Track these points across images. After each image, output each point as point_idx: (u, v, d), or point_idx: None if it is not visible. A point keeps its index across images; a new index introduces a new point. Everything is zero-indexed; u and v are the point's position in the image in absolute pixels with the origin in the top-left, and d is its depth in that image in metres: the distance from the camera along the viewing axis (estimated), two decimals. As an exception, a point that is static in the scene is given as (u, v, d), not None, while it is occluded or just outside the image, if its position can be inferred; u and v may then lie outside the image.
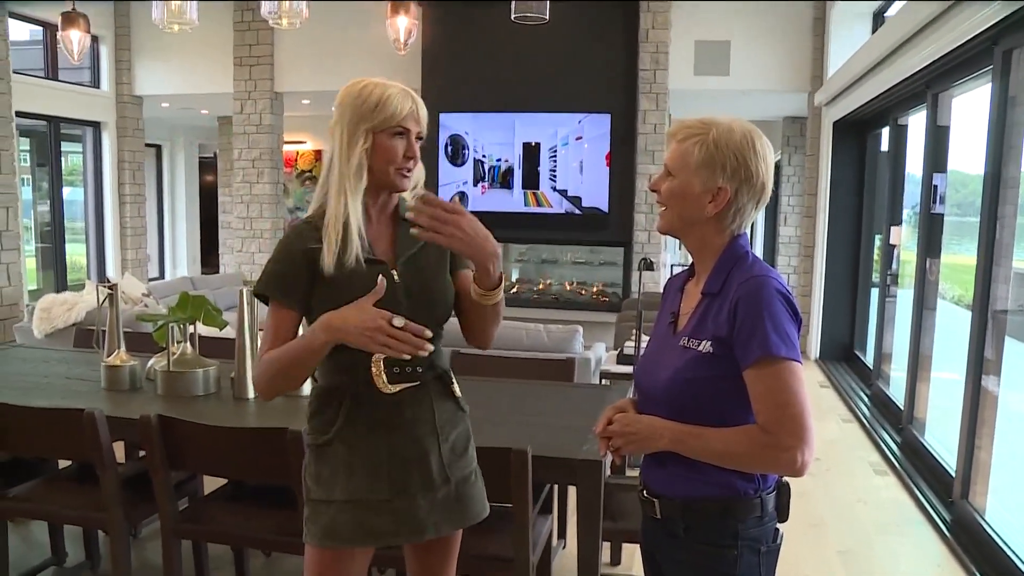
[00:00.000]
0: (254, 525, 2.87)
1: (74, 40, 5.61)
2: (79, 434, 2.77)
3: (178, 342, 3.32)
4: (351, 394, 1.93)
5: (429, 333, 1.75)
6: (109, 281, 3.72)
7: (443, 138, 9.12)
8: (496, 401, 3.33)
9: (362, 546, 1.96)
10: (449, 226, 1.73)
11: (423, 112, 1.94)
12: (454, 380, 2.06)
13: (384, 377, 1.91)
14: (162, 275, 13.31)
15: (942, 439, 5.18)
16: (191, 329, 3.37)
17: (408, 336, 1.74)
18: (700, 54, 8.76)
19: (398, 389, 1.92)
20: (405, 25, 5.16)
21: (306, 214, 2.00)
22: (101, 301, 3.49)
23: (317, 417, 1.97)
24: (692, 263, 1.80)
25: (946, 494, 4.47)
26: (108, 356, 3.38)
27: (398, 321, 1.74)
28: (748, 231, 1.76)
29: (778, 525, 1.72)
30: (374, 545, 1.97)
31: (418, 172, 1.99)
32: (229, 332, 3.74)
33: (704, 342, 1.64)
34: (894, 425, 5.86)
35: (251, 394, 3.22)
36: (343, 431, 1.93)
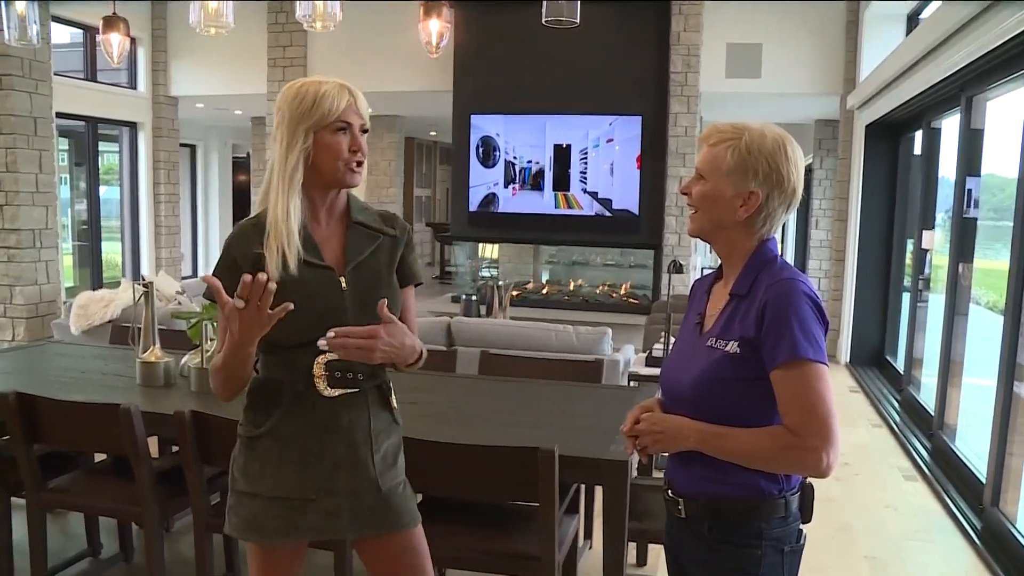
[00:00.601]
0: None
1: (114, 43, 5.72)
2: (114, 429, 2.83)
3: (211, 339, 3.38)
4: (290, 392, 1.94)
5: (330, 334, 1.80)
6: (144, 279, 3.78)
7: (474, 140, 9.17)
8: (524, 402, 3.36)
9: (282, 540, 1.97)
10: (372, 350, 1.81)
11: (363, 104, 1.94)
12: (392, 391, 2.08)
13: (325, 380, 1.92)
14: (195, 273, 13.48)
15: (973, 445, 5.13)
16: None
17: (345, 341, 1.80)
18: (732, 56, 8.73)
19: (338, 393, 1.94)
20: (437, 28, 5.19)
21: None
22: (137, 299, 3.56)
23: (252, 410, 1.98)
24: (720, 265, 1.81)
25: (976, 501, 4.43)
26: (143, 353, 3.44)
27: (322, 344, 1.82)
28: (778, 235, 1.78)
29: (802, 526, 1.73)
30: (295, 537, 1.97)
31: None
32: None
33: (731, 343, 1.65)
34: (924, 431, 5.81)
35: (282, 391, 3.26)
36: (278, 427, 1.94)
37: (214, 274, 1.87)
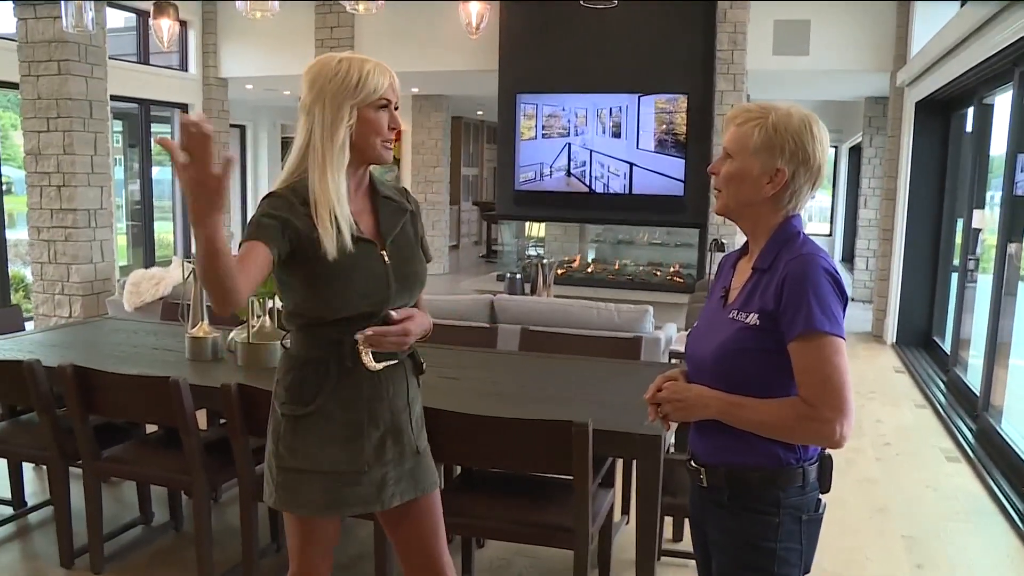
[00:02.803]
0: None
1: (164, 28, 5.86)
2: (165, 401, 2.94)
3: (257, 316, 3.48)
4: (337, 369, 1.98)
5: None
6: (193, 257, 3.89)
7: (520, 119, 9.19)
8: (562, 377, 3.41)
9: (333, 516, 2.06)
10: (405, 345, 2.00)
11: (398, 83, 2.00)
12: (421, 357, 2.17)
13: (371, 353, 1.97)
14: (245, 252, 13.68)
15: (1020, 427, 5.07)
16: (269, 303, 3.52)
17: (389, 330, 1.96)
18: (779, 34, 8.62)
19: (382, 366, 2.00)
20: (477, 10, 5.23)
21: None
22: (186, 276, 3.67)
23: (297, 388, 2.00)
24: (746, 242, 1.86)
25: (1021, 483, 4.38)
26: (192, 328, 3.56)
27: (359, 338, 1.95)
28: (805, 215, 1.81)
29: (821, 496, 1.78)
30: (344, 515, 2.08)
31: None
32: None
33: (752, 315, 1.70)
34: (969, 412, 5.75)
35: (326, 366, 3.35)
36: (326, 405, 1.99)
37: (253, 235, 1.83)
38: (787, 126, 1.69)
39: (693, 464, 1.84)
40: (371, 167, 2.07)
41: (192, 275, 3.65)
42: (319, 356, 1.99)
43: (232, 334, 3.58)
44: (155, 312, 5.40)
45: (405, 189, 2.21)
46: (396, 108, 2.00)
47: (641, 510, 2.68)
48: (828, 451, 1.76)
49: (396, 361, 2.05)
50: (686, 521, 3.71)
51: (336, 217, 1.90)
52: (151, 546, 3.63)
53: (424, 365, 2.17)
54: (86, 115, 7.23)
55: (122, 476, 3.58)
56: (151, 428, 3.67)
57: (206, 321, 3.59)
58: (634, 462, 2.82)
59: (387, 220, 2.05)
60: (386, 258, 2.00)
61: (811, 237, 1.77)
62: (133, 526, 3.71)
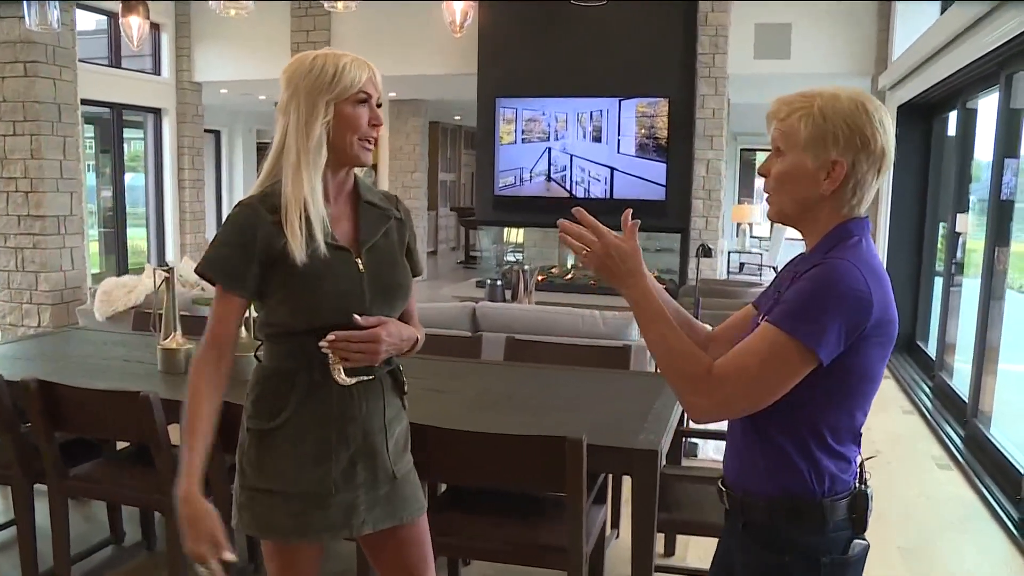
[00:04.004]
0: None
1: (134, 26, 5.69)
2: (135, 416, 2.79)
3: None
4: (305, 382, 1.85)
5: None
6: (167, 265, 3.75)
7: (499, 124, 9.08)
8: (551, 388, 3.29)
9: (298, 541, 1.89)
10: (376, 353, 1.83)
11: (379, 78, 1.87)
12: (403, 375, 2.02)
13: (341, 368, 1.84)
14: (221, 259, 13.48)
15: (1009, 434, 5.01)
16: (245, 314, 3.38)
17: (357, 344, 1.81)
18: (760, 37, 8.59)
19: (354, 381, 1.86)
20: (461, 7, 5.12)
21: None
22: (157, 285, 3.52)
23: (263, 401, 1.89)
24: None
25: (1014, 491, 4.32)
26: (164, 339, 3.41)
27: (323, 346, 1.82)
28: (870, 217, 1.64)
29: (857, 539, 1.59)
30: (311, 540, 1.90)
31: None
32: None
33: None
34: (958, 418, 5.69)
35: (305, 378, 3.22)
36: (293, 419, 1.86)
37: (221, 249, 1.80)
38: (836, 110, 1.49)
39: (721, 483, 1.68)
40: (355, 171, 1.94)
41: (164, 284, 3.50)
42: (287, 368, 1.87)
43: (206, 345, 3.43)
44: (127, 322, 5.23)
45: (396, 197, 2.07)
46: (379, 105, 1.88)
47: (636, 529, 2.57)
48: (863, 487, 1.59)
49: (371, 377, 1.89)
50: (678, 536, 3.63)
51: (308, 220, 1.77)
52: (122, 567, 3.48)
53: (406, 385, 2.02)
54: (54, 118, 7.04)
55: (90, 496, 3.43)
56: (124, 443, 3.52)
57: (179, 331, 3.44)
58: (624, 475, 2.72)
59: (367, 227, 1.91)
60: (361, 266, 1.86)
61: (864, 246, 1.54)
62: (104, 546, 3.56)
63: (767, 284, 1.84)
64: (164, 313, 3.47)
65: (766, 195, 1.61)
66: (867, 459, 1.63)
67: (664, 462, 3.32)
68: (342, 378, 1.84)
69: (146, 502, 3.20)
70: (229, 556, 1.74)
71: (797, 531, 1.53)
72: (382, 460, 1.92)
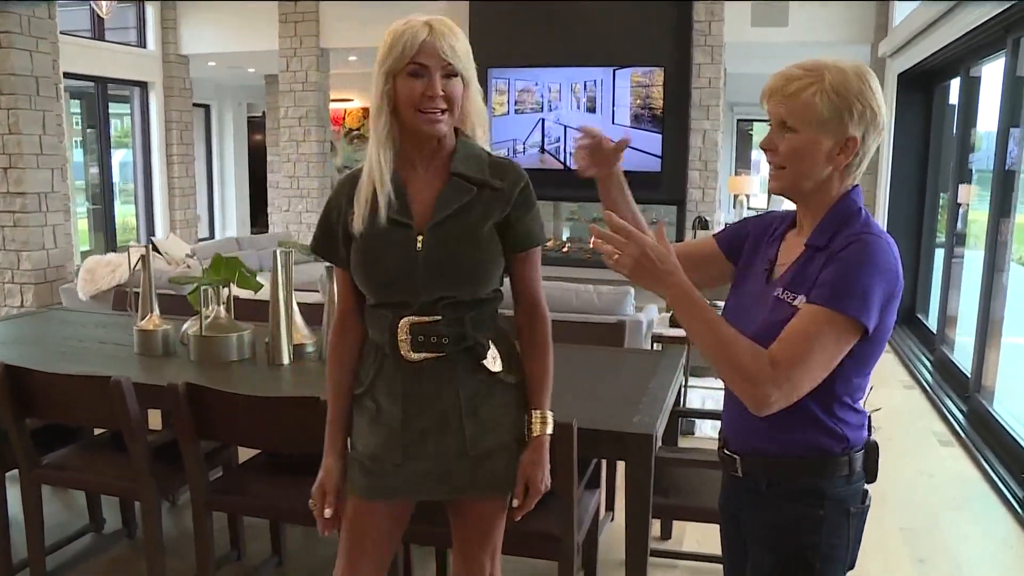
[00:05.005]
0: (289, 497, 2.74)
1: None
2: (107, 402, 2.67)
3: (216, 305, 3.21)
4: (380, 353, 1.88)
5: None
6: (153, 241, 3.62)
7: (492, 93, 8.91)
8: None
9: (376, 498, 1.91)
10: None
11: (444, 43, 1.73)
12: (489, 353, 1.89)
13: (409, 343, 1.82)
14: (212, 235, 13.35)
15: (1012, 409, 4.91)
16: (226, 292, 3.25)
17: None
18: (757, 5, 8.40)
19: (421, 358, 1.83)
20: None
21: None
22: (134, 264, 3.39)
23: (361, 366, 1.94)
24: (793, 212, 1.68)
25: (1018, 468, 4.23)
26: (141, 320, 3.28)
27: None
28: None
29: (867, 486, 1.65)
30: (386, 498, 1.92)
31: (473, 116, 1.86)
32: (267, 294, 3.63)
33: (800, 297, 1.53)
34: (960, 393, 5.59)
35: (286, 360, 3.10)
36: (372, 388, 1.90)
37: (318, 226, 1.92)
38: (847, 86, 1.50)
39: (727, 452, 1.70)
40: (464, 140, 1.86)
41: (140, 261, 3.36)
42: (372, 339, 1.91)
43: (185, 326, 3.31)
44: (111, 301, 5.09)
45: (508, 165, 1.90)
46: (453, 74, 1.76)
47: (631, 517, 2.45)
48: (873, 438, 1.65)
49: (442, 354, 1.82)
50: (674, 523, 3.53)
51: (372, 192, 1.79)
52: (102, 556, 3.37)
53: (490, 361, 1.89)
54: (32, 92, 6.83)
55: (64, 484, 3.31)
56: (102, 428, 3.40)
57: (156, 312, 3.30)
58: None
59: (443, 201, 1.81)
60: (419, 243, 1.79)
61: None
62: (83, 534, 3.46)
63: (735, 223, 1.85)
64: (141, 293, 3.34)
65: (772, 170, 1.60)
66: (874, 411, 1.71)
67: (660, 443, 3.22)
68: (408, 353, 1.83)
69: (121, 491, 3.06)
70: (327, 511, 1.93)
71: (829, 484, 1.58)
72: (455, 436, 1.86)
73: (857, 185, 1.61)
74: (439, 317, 1.81)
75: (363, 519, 1.93)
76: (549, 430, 1.93)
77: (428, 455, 1.86)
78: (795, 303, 1.53)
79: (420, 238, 1.79)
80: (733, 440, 1.69)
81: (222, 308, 3.22)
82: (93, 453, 3.12)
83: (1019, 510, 3.85)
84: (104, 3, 5.42)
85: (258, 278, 3.31)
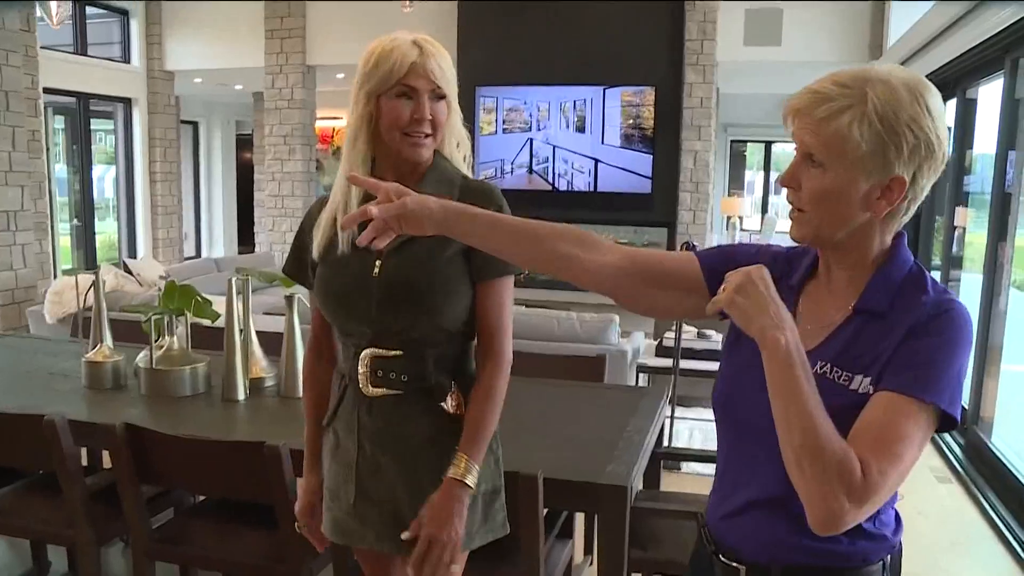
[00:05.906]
0: (238, 547, 2.54)
1: (53, 8, 5.29)
2: (41, 442, 2.47)
3: (169, 336, 3.01)
4: (343, 384, 1.81)
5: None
6: (125, 263, 3.44)
7: (479, 113, 8.76)
8: (514, 406, 2.96)
9: (336, 540, 1.86)
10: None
11: (434, 64, 1.64)
12: (449, 396, 1.74)
13: (367, 377, 1.73)
14: (199, 254, 13.16)
15: (1012, 443, 4.72)
16: (182, 321, 3.05)
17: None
18: (750, 23, 8.26)
19: (379, 393, 1.73)
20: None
21: None
22: (84, 293, 3.19)
23: (332, 391, 1.88)
24: (813, 256, 1.34)
25: (1018, 506, 4.04)
26: (92, 350, 3.08)
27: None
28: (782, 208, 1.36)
29: None
30: (344, 543, 1.86)
31: (454, 135, 1.76)
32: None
33: (860, 378, 1.21)
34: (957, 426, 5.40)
35: (241, 396, 2.90)
36: (335, 418, 1.82)
37: (289, 254, 1.87)
38: (897, 110, 1.14)
39: (723, 559, 1.36)
40: (439, 161, 1.76)
41: (92, 286, 3.16)
42: (339, 367, 1.84)
43: (138, 357, 3.10)
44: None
45: (480, 188, 1.76)
46: (440, 96, 1.67)
47: (604, 572, 2.25)
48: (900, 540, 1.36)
49: (399, 391, 1.71)
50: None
51: (334, 219, 1.71)
52: (45, 602, 3.16)
53: (449, 403, 1.74)
54: (2, 107, 6.63)
55: (-4, 530, 3.09)
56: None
57: (108, 341, 3.10)
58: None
59: None
60: (376, 269, 1.68)
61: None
62: (26, 579, 3.25)
63: (724, 246, 1.46)
64: (92, 321, 3.14)
65: (793, 211, 1.26)
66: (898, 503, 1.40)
67: (640, 486, 3.01)
68: (366, 387, 1.73)
69: (57, 538, 2.84)
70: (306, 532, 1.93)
71: None
72: (407, 479, 1.73)
73: (903, 232, 1.27)
74: (400, 352, 1.70)
75: (364, 563, 1.93)
76: (469, 481, 1.67)
77: (379, 497, 1.76)
78: (855, 387, 1.21)
79: (378, 264, 1.69)
80: (747, 551, 1.34)
81: (176, 339, 3.03)
82: (32, 495, 2.89)
83: (1020, 551, 3.66)
84: (54, 10, 5.22)
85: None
